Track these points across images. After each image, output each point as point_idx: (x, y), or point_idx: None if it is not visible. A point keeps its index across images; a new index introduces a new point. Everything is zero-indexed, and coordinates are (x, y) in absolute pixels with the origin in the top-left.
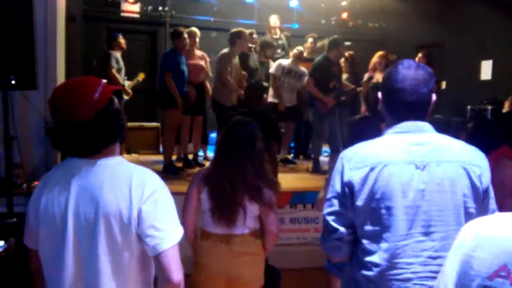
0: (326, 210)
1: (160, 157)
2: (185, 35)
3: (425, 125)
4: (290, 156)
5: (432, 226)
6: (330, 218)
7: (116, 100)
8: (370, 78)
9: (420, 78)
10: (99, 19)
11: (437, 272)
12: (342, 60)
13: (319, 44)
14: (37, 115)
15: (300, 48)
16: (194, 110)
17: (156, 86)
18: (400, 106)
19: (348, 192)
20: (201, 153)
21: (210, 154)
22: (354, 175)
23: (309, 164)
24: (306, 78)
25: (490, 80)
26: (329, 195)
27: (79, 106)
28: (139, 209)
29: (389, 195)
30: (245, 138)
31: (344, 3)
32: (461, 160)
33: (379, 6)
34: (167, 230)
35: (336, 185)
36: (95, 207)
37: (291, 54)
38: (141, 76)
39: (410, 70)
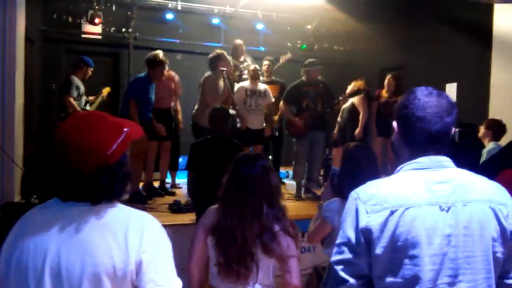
0: (335, 257)
1: None
2: (165, 65)
3: (446, 160)
4: None
5: (459, 275)
6: (339, 268)
7: (127, 156)
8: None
9: (443, 105)
10: (59, 40)
11: None
12: None
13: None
14: None
15: (253, 67)
16: (161, 135)
17: (119, 111)
18: (421, 137)
19: (363, 239)
20: (168, 180)
21: (180, 180)
22: (372, 220)
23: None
24: (269, 94)
25: (455, 103)
26: (338, 241)
27: (89, 157)
28: (138, 260)
29: (412, 243)
30: (257, 174)
31: (309, 27)
32: (488, 199)
33: (344, 30)
34: (167, 285)
35: (348, 231)
36: (81, 261)
37: (247, 75)
38: (105, 92)
39: (432, 97)
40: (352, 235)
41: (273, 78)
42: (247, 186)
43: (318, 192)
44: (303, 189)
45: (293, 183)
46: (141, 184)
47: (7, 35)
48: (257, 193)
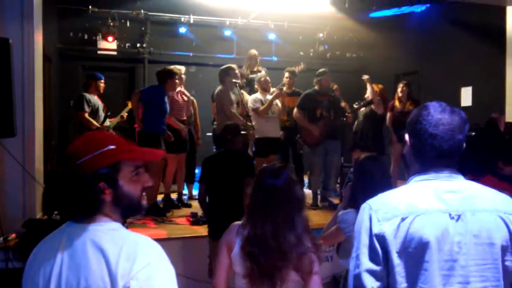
0: (355, 270)
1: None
2: (177, 76)
3: (455, 172)
4: None
5: (470, 283)
6: (360, 279)
7: (117, 171)
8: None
9: (455, 123)
10: (75, 57)
11: None
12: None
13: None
14: (14, 163)
15: (263, 78)
16: (177, 148)
17: (137, 125)
18: (433, 153)
19: (379, 246)
20: (185, 192)
21: (196, 192)
22: (384, 227)
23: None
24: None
25: (471, 107)
26: (356, 252)
27: (71, 164)
28: (125, 285)
29: (423, 249)
30: (282, 183)
31: (321, 35)
32: (497, 209)
33: (356, 37)
34: None
35: (363, 240)
36: (77, 279)
37: (257, 85)
38: (125, 111)
39: (445, 114)
40: (367, 244)
41: (294, 89)
42: (273, 195)
43: (335, 201)
44: (319, 197)
45: (309, 191)
46: (159, 196)
47: (26, 53)
48: (285, 202)
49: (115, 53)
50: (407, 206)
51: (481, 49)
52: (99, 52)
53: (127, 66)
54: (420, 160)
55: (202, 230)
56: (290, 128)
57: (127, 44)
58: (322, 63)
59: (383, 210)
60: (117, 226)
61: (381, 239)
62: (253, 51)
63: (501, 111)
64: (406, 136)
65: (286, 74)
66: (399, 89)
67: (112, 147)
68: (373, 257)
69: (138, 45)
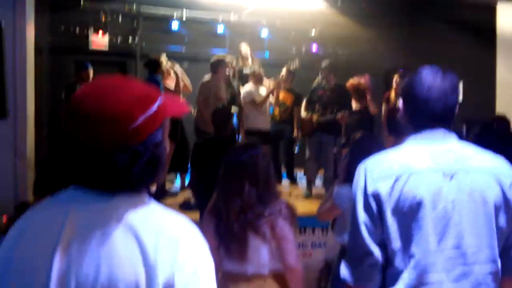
0: (354, 232)
1: None
2: (164, 63)
3: (450, 134)
4: None
5: (463, 239)
6: (361, 240)
7: (162, 140)
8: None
9: (447, 87)
10: (67, 51)
11: None
12: None
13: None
14: (4, 145)
15: (256, 71)
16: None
17: None
18: (426, 118)
19: (374, 206)
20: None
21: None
22: (379, 186)
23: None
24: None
25: (461, 103)
26: (351, 214)
27: (105, 132)
28: (168, 280)
29: (417, 207)
30: (242, 159)
31: (313, 31)
32: (490, 169)
33: (347, 34)
34: None
35: (359, 199)
36: (95, 267)
37: (250, 78)
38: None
39: (437, 79)
40: (363, 202)
41: (291, 88)
42: (232, 169)
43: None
44: (312, 186)
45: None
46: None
47: (18, 45)
48: (242, 176)
49: (106, 48)
50: (401, 166)
51: (472, 45)
52: (90, 47)
53: (118, 61)
54: (413, 125)
55: (196, 216)
56: (282, 121)
57: (119, 39)
58: (314, 60)
59: (377, 170)
60: (146, 199)
61: (376, 197)
62: (243, 45)
63: (491, 108)
64: (400, 102)
65: (284, 71)
66: (394, 81)
67: (159, 102)
68: (368, 214)
69: (130, 40)
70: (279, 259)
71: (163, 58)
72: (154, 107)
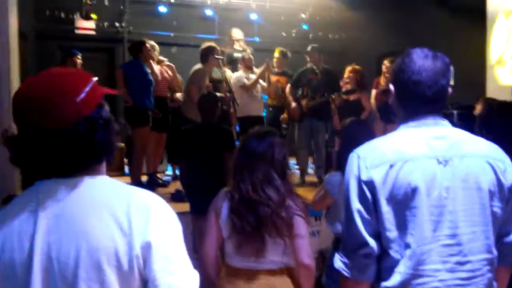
0: (348, 222)
1: (126, 179)
2: (147, 44)
3: (442, 119)
4: None
5: (458, 228)
6: (355, 230)
7: (107, 107)
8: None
9: (438, 68)
10: (52, 37)
11: (466, 279)
12: None
13: None
14: None
15: (247, 56)
16: (159, 126)
17: (128, 101)
18: (417, 100)
19: (369, 194)
20: (169, 172)
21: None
22: (373, 174)
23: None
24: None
25: (452, 86)
26: (346, 205)
27: (55, 107)
28: (145, 242)
29: (412, 194)
30: (265, 146)
31: (304, 16)
32: (485, 155)
33: (338, 18)
34: (183, 275)
35: (353, 187)
36: (75, 246)
37: (240, 64)
38: None
39: (427, 60)
40: (357, 191)
41: (285, 69)
42: (255, 155)
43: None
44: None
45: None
46: (144, 177)
47: (0, 31)
48: (265, 162)
49: (93, 32)
50: (394, 153)
51: (460, 28)
52: (76, 31)
53: (106, 46)
54: (405, 108)
55: (186, 207)
56: (277, 107)
57: (105, 24)
58: (305, 44)
59: (371, 157)
60: (109, 179)
61: (370, 185)
62: (234, 30)
63: (482, 90)
64: (391, 86)
65: (276, 54)
66: (384, 66)
67: (95, 78)
68: (363, 203)
69: (117, 24)
70: (291, 255)
71: (154, 46)
72: (93, 81)
